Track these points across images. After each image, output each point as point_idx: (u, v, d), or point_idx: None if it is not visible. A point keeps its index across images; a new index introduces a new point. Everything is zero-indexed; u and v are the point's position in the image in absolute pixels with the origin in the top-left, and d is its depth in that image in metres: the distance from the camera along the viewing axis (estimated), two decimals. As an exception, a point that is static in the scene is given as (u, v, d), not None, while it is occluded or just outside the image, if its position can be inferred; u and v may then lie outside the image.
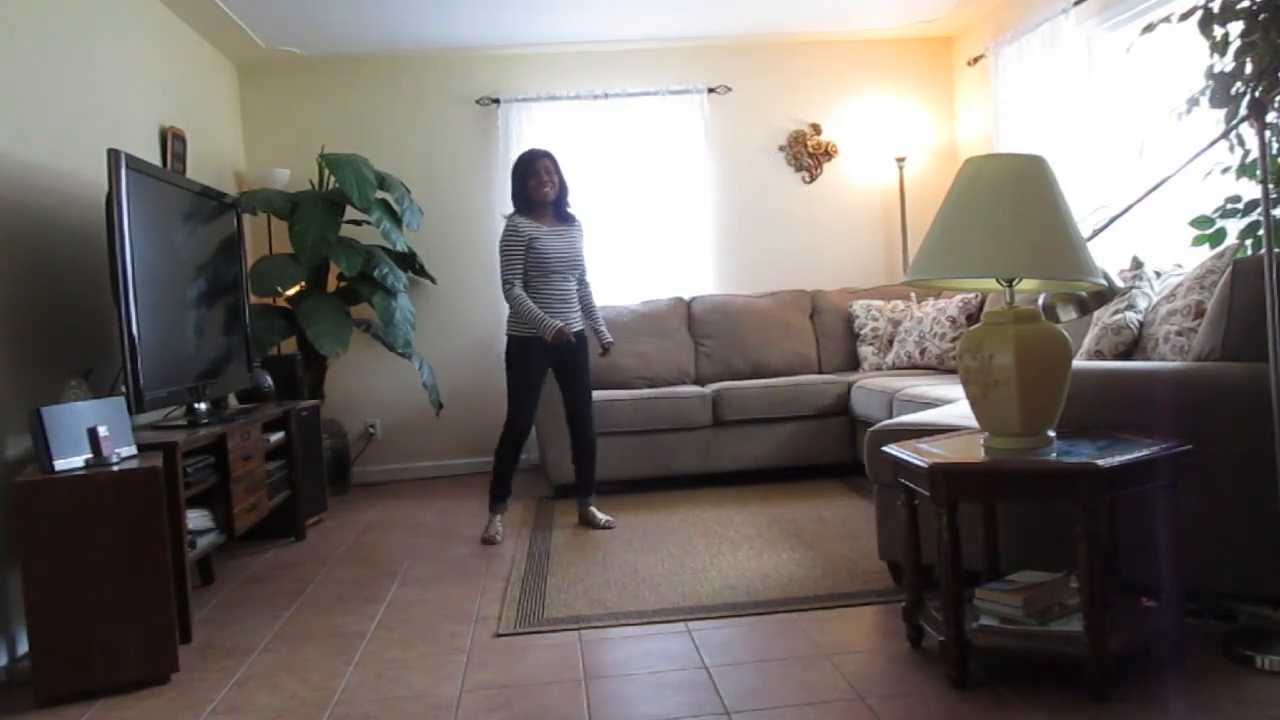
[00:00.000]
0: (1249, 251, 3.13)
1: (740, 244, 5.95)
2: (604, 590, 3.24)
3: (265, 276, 4.84)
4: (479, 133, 5.84)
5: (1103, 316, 3.33)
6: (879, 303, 5.54)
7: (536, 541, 4.01)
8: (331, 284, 5.28)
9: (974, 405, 2.36)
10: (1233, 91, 3.06)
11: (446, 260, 5.78)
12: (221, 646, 2.93)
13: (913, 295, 5.53)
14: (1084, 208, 4.10)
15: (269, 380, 4.44)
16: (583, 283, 4.34)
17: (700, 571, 3.39)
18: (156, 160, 4.34)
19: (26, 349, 3.12)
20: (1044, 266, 2.24)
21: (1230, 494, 2.46)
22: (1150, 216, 4.01)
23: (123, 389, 3.06)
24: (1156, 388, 2.55)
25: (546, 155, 4.20)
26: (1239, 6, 3.02)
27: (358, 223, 5.32)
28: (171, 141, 4.45)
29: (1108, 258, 3.39)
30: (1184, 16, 3.17)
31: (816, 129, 6.01)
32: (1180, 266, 3.50)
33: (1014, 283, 2.39)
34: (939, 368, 4.98)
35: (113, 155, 3.02)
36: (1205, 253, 3.28)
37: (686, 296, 5.71)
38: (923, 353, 5.06)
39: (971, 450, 2.41)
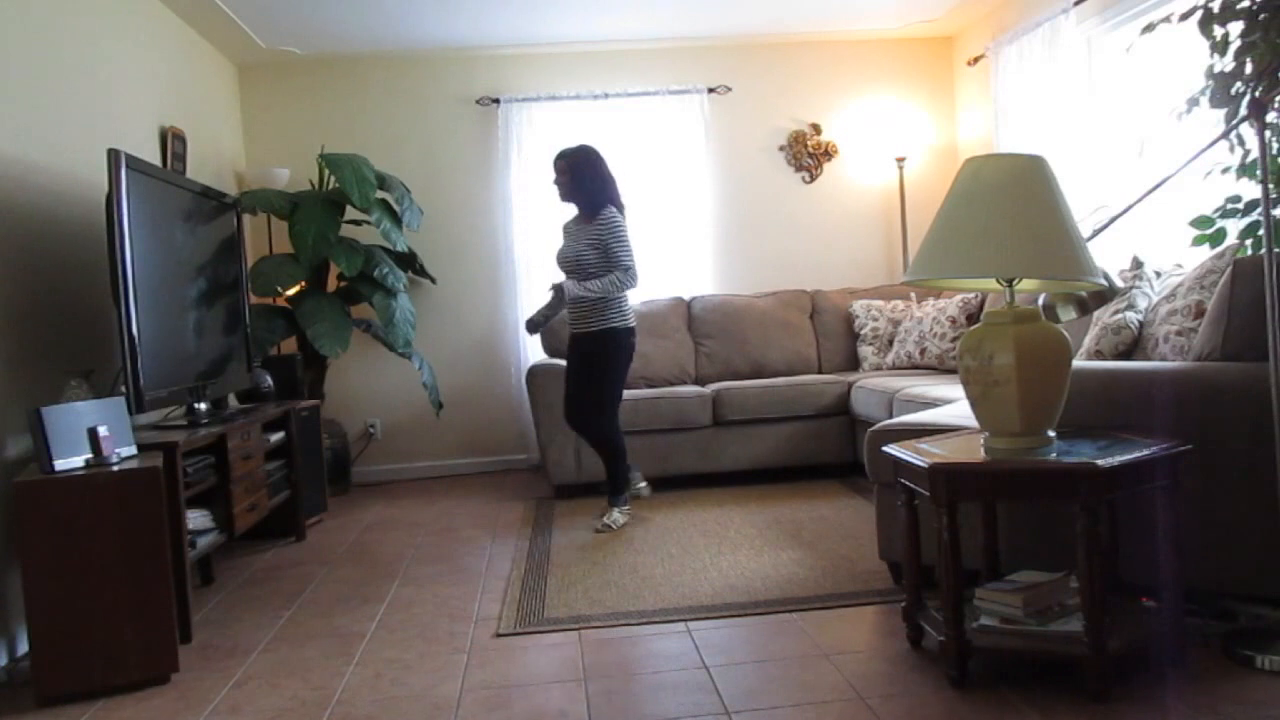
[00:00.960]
0: (1249, 251, 3.13)
1: (740, 244, 5.96)
2: (604, 590, 3.24)
3: (265, 276, 4.84)
4: (479, 133, 5.84)
5: (1103, 316, 3.33)
6: (879, 303, 5.54)
7: (536, 541, 4.01)
8: (331, 284, 5.28)
9: (974, 405, 2.36)
10: (1233, 91, 3.06)
11: (446, 260, 5.78)
12: (221, 646, 2.93)
13: (913, 295, 5.53)
14: (1084, 208, 4.10)
15: (269, 380, 4.44)
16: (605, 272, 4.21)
17: (700, 571, 3.39)
18: (156, 160, 4.34)
19: (26, 349, 3.12)
20: (1044, 266, 2.24)
21: (1230, 494, 2.45)
22: (1150, 216, 4.01)
23: (123, 389, 3.06)
24: (1156, 388, 2.55)
25: (558, 156, 4.23)
26: (1239, 6, 3.02)
27: (358, 223, 5.33)
28: (171, 141, 4.45)
29: (1108, 258, 3.39)
30: (1184, 16, 3.16)
31: (816, 129, 6.01)
32: (1180, 266, 3.50)
33: (1014, 283, 2.39)
34: (939, 368, 4.98)
35: (113, 155, 3.03)
36: (1205, 253, 3.28)
37: (686, 296, 5.71)
38: (923, 353, 5.06)
39: (971, 450, 2.41)
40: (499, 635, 2.87)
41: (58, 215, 3.38)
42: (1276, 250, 2.32)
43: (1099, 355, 3.25)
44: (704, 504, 4.53)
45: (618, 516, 4.19)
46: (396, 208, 5.23)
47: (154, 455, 2.85)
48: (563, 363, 4.93)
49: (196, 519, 3.30)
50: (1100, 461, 2.13)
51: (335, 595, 3.41)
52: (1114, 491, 2.17)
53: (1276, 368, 2.29)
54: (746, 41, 5.90)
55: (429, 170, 5.80)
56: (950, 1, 5.41)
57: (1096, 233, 2.76)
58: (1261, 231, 2.58)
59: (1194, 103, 3.26)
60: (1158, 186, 2.65)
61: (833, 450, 5.01)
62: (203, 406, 3.63)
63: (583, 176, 4.19)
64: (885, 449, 2.58)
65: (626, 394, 4.99)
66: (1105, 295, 2.76)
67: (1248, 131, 3.06)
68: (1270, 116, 2.88)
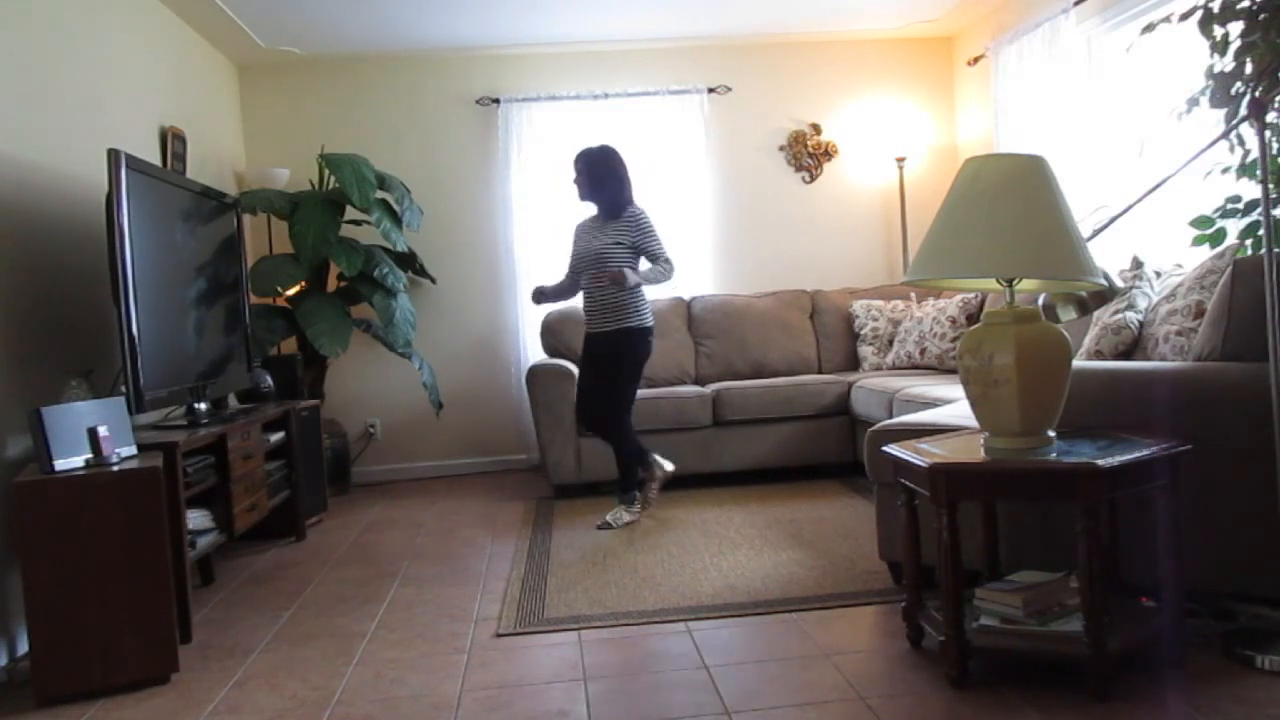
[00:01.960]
0: (1249, 251, 3.13)
1: (740, 244, 5.96)
2: (604, 590, 3.24)
3: (265, 276, 4.84)
4: (479, 133, 5.84)
5: (1103, 316, 3.33)
6: (879, 303, 5.54)
7: (536, 541, 4.01)
8: (331, 284, 5.28)
9: (974, 405, 2.36)
10: (1233, 91, 3.06)
11: (446, 260, 5.78)
12: (221, 646, 2.93)
13: (913, 295, 5.53)
14: (1084, 208, 4.10)
15: (269, 380, 4.44)
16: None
17: (700, 571, 3.39)
18: (156, 160, 4.34)
19: (26, 349, 3.12)
20: (1044, 266, 2.24)
21: (1230, 494, 2.45)
22: (1150, 216, 4.01)
23: (123, 389, 3.06)
24: (1156, 388, 2.55)
25: (578, 156, 4.29)
26: (1239, 6, 3.02)
27: (358, 223, 5.33)
28: (171, 141, 4.45)
29: (1108, 258, 3.39)
30: (1184, 16, 3.17)
31: (816, 129, 6.01)
32: (1180, 266, 3.50)
33: (1014, 283, 2.39)
34: (939, 368, 4.99)
35: (113, 155, 3.03)
36: (1205, 253, 3.28)
37: (686, 296, 5.71)
38: (923, 353, 5.06)
39: (971, 450, 2.41)
40: (499, 635, 2.87)
41: (58, 215, 3.38)
42: (1276, 250, 2.32)
43: (1099, 355, 3.25)
44: (704, 504, 4.53)
45: (622, 514, 4.20)
46: (396, 208, 5.23)
47: (154, 455, 2.85)
48: (563, 362, 4.95)
49: (196, 519, 3.30)
50: (1100, 461, 2.13)
51: (335, 595, 3.41)
52: (1114, 491, 2.17)
53: (1276, 368, 2.29)
54: (746, 41, 5.90)
55: (429, 170, 5.80)
56: (950, 1, 5.41)
57: (1096, 233, 2.76)
58: (1261, 231, 2.58)
59: (1194, 103, 3.26)
60: (1158, 186, 2.65)
61: (833, 450, 5.01)
62: (203, 406, 3.63)
63: (602, 176, 4.23)
64: (885, 449, 2.58)
65: (626, 394, 5.01)
66: (1105, 295, 2.76)
67: (1248, 131, 3.06)
68: (1270, 116, 2.88)
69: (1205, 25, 3.08)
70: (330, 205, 5.05)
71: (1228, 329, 2.59)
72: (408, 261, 5.40)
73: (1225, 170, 3.28)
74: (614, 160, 4.25)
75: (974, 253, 2.25)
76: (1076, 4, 4.51)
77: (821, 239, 6.03)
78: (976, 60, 5.56)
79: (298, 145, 5.64)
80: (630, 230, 4.18)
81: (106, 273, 3.21)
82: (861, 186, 6.05)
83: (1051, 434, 2.33)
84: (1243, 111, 2.93)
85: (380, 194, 5.18)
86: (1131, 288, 3.32)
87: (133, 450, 2.84)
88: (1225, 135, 2.81)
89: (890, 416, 4.17)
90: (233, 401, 4.25)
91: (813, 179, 6.03)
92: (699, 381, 5.41)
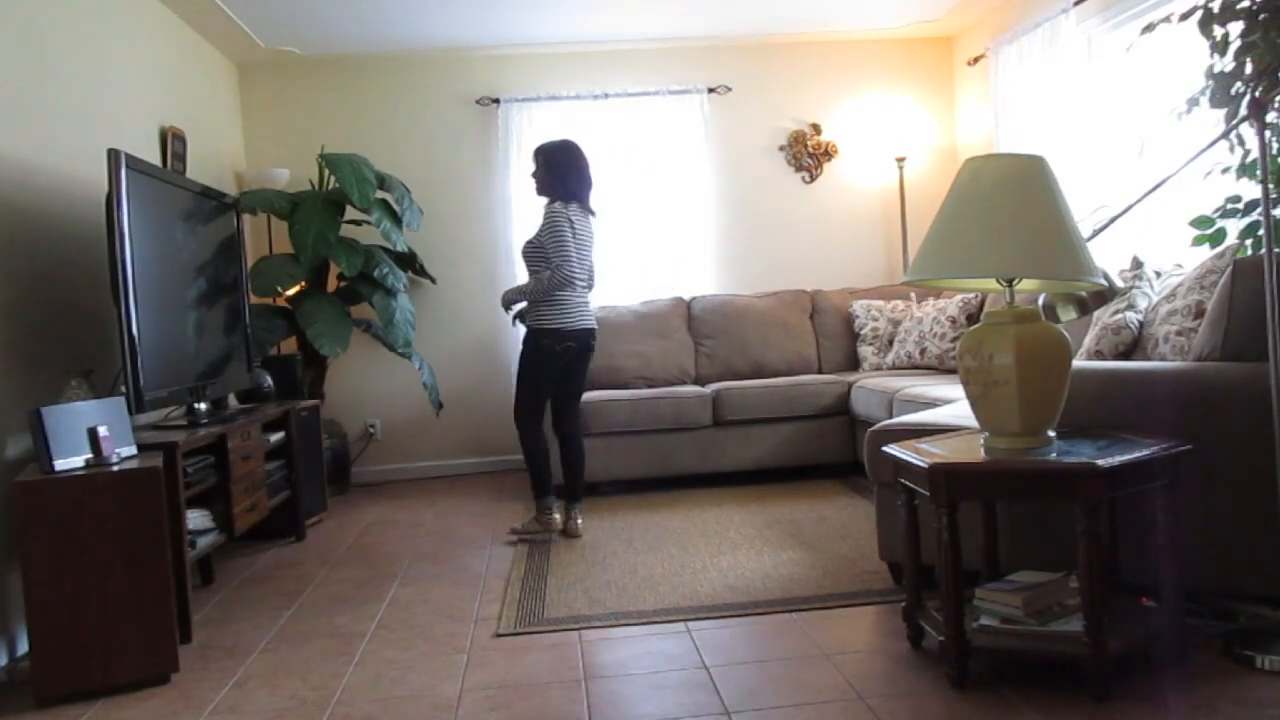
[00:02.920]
0: (1249, 251, 3.13)
1: (740, 244, 5.95)
2: (604, 590, 3.24)
3: (265, 276, 4.84)
4: (479, 133, 5.84)
5: (1103, 316, 3.33)
6: (879, 303, 5.54)
7: (536, 541, 4.01)
8: (331, 284, 5.28)
9: (974, 405, 2.36)
10: (1233, 91, 3.06)
11: (446, 260, 5.78)
12: (221, 646, 2.93)
13: (913, 295, 5.53)
14: (1084, 208, 4.11)
15: (269, 380, 4.44)
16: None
17: (700, 571, 3.39)
18: (156, 160, 4.34)
19: (26, 349, 3.12)
20: (1044, 266, 2.24)
21: (1230, 494, 2.45)
22: (1150, 216, 4.01)
23: (123, 389, 3.06)
24: (1156, 388, 2.55)
25: (535, 150, 4.16)
26: (1239, 6, 3.02)
27: (358, 223, 5.33)
28: (171, 141, 4.45)
29: (1108, 258, 3.40)
30: (1184, 16, 3.17)
31: (816, 129, 6.01)
32: (1180, 266, 3.50)
33: (1014, 283, 2.39)
34: (939, 368, 4.99)
35: (113, 155, 3.03)
36: (1205, 253, 3.28)
37: (686, 296, 5.72)
38: (923, 353, 5.06)
39: (971, 450, 2.41)
40: (499, 635, 2.87)
41: (58, 215, 3.38)
42: (1276, 250, 2.32)
43: (1099, 355, 3.25)
44: (704, 504, 4.52)
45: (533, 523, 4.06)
46: (396, 208, 5.23)
47: (154, 455, 2.85)
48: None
49: (196, 519, 3.30)
50: (1100, 461, 2.13)
51: (335, 595, 3.41)
52: (1114, 491, 2.17)
53: (1276, 368, 2.29)
54: (746, 41, 5.90)
55: (429, 170, 5.80)
56: (950, 1, 5.41)
57: (1096, 233, 2.76)
58: (1261, 231, 2.58)
59: (1194, 103, 3.26)
60: (1158, 186, 2.65)
61: (833, 450, 5.01)
62: (203, 406, 3.63)
63: (540, 168, 4.10)
64: (885, 449, 2.58)
65: (627, 394, 5.00)
66: (1105, 295, 2.76)
67: (1248, 131, 3.07)
68: (1270, 116, 2.88)
69: (1205, 25, 3.08)
70: (330, 205, 5.05)
71: (1228, 329, 2.59)
72: (408, 261, 5.40)
73: (1225, 170, 3.28)
74: (549, 152, 4.11)
75: (974, 253, 2.25)
76: (1076, 4, 4.51)
77: (821, 239, 6.03)
78: (976, 60, 5.56)
79: (298, 145, 5.65)
80: (541, 229, 4.04)
81: (106, 273, 3.21)
82: (861, 186, 6.05)
83: (1051, 434, 2.33)
84: (1243, 111, 2.93)
85: (380, 194, 5.18)
86: (1131, 288, 3.32)
87: (133, 450, 2.84)
88: (1225, 135, 2.81)
89: (890, 416, 4.17)
90: (233, 401, 4.25)
91: (813, 179, 6.03)
92: (699, 381, 5.41)
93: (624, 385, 5.26)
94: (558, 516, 4.06)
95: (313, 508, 4.58)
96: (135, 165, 3.14)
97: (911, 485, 2.43)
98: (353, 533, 4.42)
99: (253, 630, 3.07)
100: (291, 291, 5.05)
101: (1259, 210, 2.77)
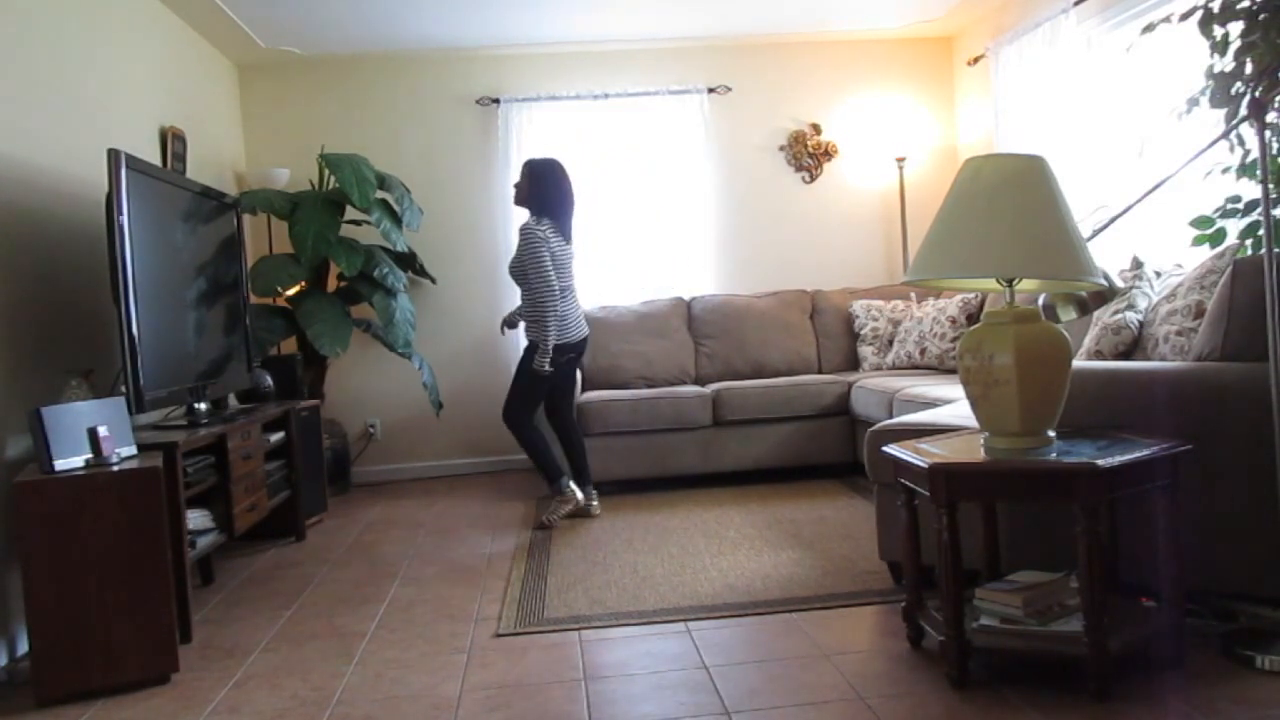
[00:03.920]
0: (1249, 251, 3.13)
1: (740, 244, 5.95)
2: (604, 590, 3.24)
3: (265, 276, 4.84)
4: (479, 133, 5.84)
5: (1103, 316, 3.33)
6: (879, 303, 5.54)
7: (536, 541, 4.01)
8: (331, 284, 5.28)
9: (974, 405, 2.36)
10: (1233, 91, 3.06)
11: (446, 260, 5.78)
12: (221, 646, 2.93)
13: (913, 295, 5.53)
14: (1084, 208, 4.11)
15: (269, 380, 4.44)
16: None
17: (700, 571, 3.39)
18: (156, 160, 4.34)
19: (26, 349, 3.12)
20: (1044, 266, 2.24)
21: (1230, 494, 2.45)
22: (1150, 216, 4.01)
23: (123, 389, 3.06)
24: (1156, 388, 2.55)
25: (525, 164, 4.41)
26: (1239, 6, 3.01)
27: (358, 223, 5.33)
28: (171, 141, 4.45)
29: (1108, 258, 3.39)
30: (1184, 16, 3.16)
31: (816, 129, 6.01)
32: (1180, 266, 3.50)
33: (1014, 283, 2.39)
34: (939, 368, 4.98)
35: (113, 155, 3.03)
36: (1205, 253, 3.28)
37: (686, 296, 5.72)
38: (923, 353, 5.06)
39: (971, 450, 2.41)
40: (499, 635, 2.87)
41: (58, 215, 3.38)
42: (1276, 250, 2.32)
43: (1099, 355, 3.25)
44: (704, 504, 4.52)
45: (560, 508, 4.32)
46: (396, 208, 5.23)
47: (154, 455, 2.85)
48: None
49: (196, 519, 3.30)
50: (1100, 461, 2.13)
51: (335, 595, 3.41)
52: (1114, 491, 2.17)
53: (1276, 368, 2.29)
54: (746, 41, 5.90)
55: (429, 170, 5.80)
56: (950, 1, 5.41)
57: (1096, 233, 2.76)
58: (1261, 231, 2.58)
59: (1194, 103, 3.26)
60: (1158, 186, 2.65)
61: (833, 450, 5.01)
62: (203, 406, 3.63)
63: (527, 185, 4.36)
64: (885, 449, 2.58)
65: (627, 394, 5.01)
66: (1105, 295, 2.76)
67: (1248, 131, 3.06)
68: (1270, 116, 2.88)
69: (1205, 25, 3.08)
70: (330, 205, 5.05)
71: (1228, 329, 2.59)
72: (408, 261, 5.40)
73: (1225, 170, 3.28)
74: (536, 170, 4.37)
75: (974, 253, 2.25)
76: (1076, 4, 4.51)
77: (821, 239, 6.03)
78: (976, 60, 5.56)
79: (298, 145, 5.64)
80: (519, 246, 4.31)
81: (106, 273, 3.21)
82: (861, 186, 6.05)
83: (1051, 434, 2.33)
84: (1243, 111, 2.93)
85: (380, 194, 5.18)
86: (1131, 288, 3.32)
87: (133, 450, 2.84)
88: (1225, 135, 2.81)
89: (890, 416, 4.17)
90: (233, 401, 4.25)
91: (813, 179, 6.03)
92: (699, 381, 5.41)
93: (624, 385, 5.26)
94: (578, 493, 4.33)
95: (313, 508, 4.58)
96: (135, 165, 3.14)
97: (911, 485, 2.43)
98: (353, 533, 4.42)
99: (253, 630, 3.07)
100: (291, 291, 5.05)
101: (1259, 210, 2.77)
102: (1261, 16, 2.95)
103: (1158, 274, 3.41)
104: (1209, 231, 3.34)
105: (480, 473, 5.85)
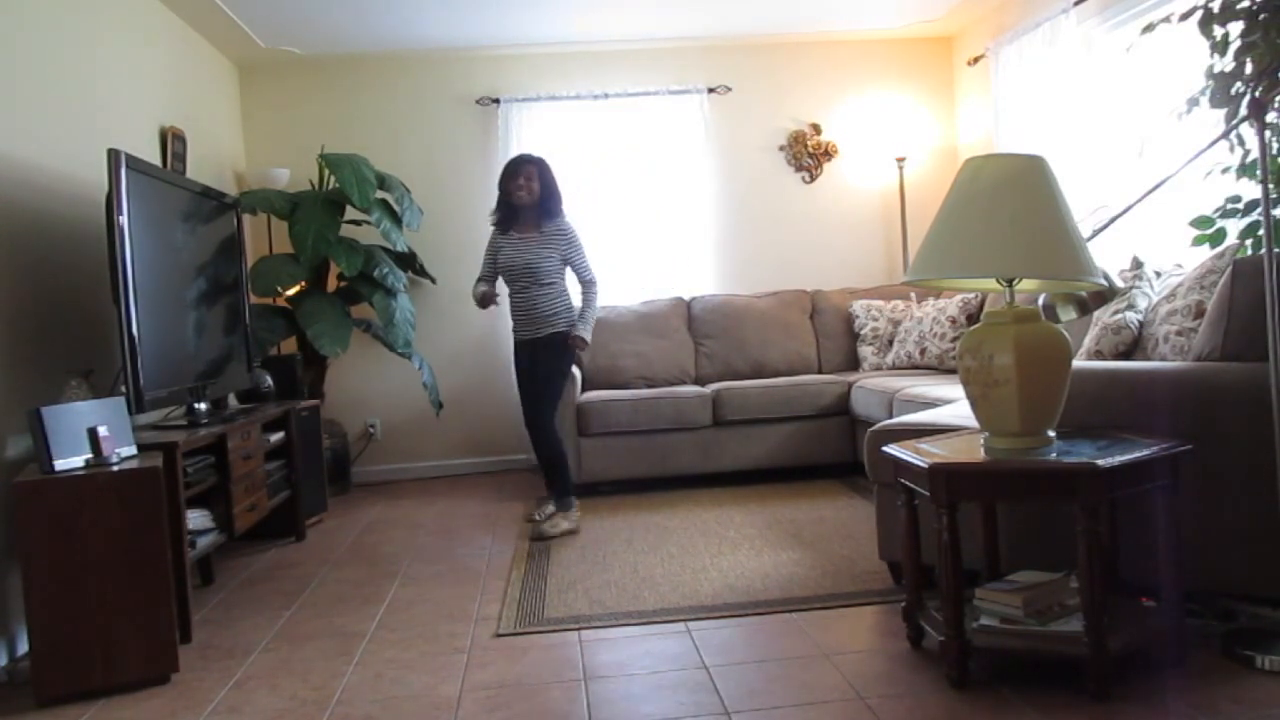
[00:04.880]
0: (1249, 251, 3.13)
1: (740, 244, 5.95)
2: (604, 590, 3.24)
3: (265, 276, 4.84)
4: (479, 133, 5.84)
5: (1103, 316, 3.33)
6: (879, 303, 5.54)
7: (536, 541, 4.01)
8: (331, 284, 5.28)
9: (974, 405, 2.36)
10: (1233, 91, 3.06)
11: (446, 260, 5.78)
12: (221, 646, 2.93)
13: (913, 295, 5.53)
14: (1084, 208, 4.10)
15: (269, 380, 4.44)
16: (581, 284, 4.36)
17: (700, 571, 3.39)
18: (156, 160, 4.34)
19: (26, 349, 3.12)
20: (1044, 266, 2.24)
21: (1230, 494, 2.45)
22: (1150, 216, 4.01)
23: (123, 389, 3.05)
24: (1156, 388, 2.55)
25: (527, 160, 4.32)
26: (1239, 6, 3.02)
27: (358, 223, 5.33)
28: (171, 141, 4.45)
29: (1108, 258, 3.39)
30: (1184, 16, 3.16)
31: (816, 129, 6.01)
32: (1180, 266, 3.50)
33: (1014, 283, 2.39)
34: (939, 368, 4.98)
35: (113, 155, 3.02)
36: (1205, 253, 3.28)
37: (686, 296, 5.72)
38: (923, 353, 5.06)
39: (971, 450, 2.41)
40: (499, 635, 2.87)
41: (58, 215, 3.38)
42: (1276, 250, 2.32)
43: (1099, 355, 3.25)
44: (704, 504, 4.52)
45: (560, 522, 4.11)
46: (396, 208, 5.23)
47: (154, 455, 2.85)
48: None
49: (196, 519, 3.30)
50: (1100, 461, 2.13)
51: (335, 595, 3.41)
52: (1114, 491, 2.17)
53: (1276, 368, 2.29)
54: (746, 41, 5.90)
55: (429, 170, 5.80)
56: (950, 1, 5.41)
57: (1096, 233, 2.76)
58: (1261, 231, 2.58)
59: (1194, 103, 3.26)
60: (1158, 186, 2.65)
61: (833, 450, 5.01)
62: (203, 406, 3.63)
63: (551, 182, 4.31)
64: (885, 449, 2.58)
65: (627, 394, 5.02)
66: (1105, 295, 2.76)
67: (1248, 131, 3.06)
68: (1270, 116, 2.88)
69: (1205, 25, 3.08)
70: (330, 205, 5.05)
71: (1228, 329, 2.58)
72: (408, 261, 5.40)
73: (1225, 170, 3.28)
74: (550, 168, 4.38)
75: (974, 253, 2.25)
76: (1076, 4, 4.51)
77: (821, 239, 6.03)
78: (976, 60, 5.56)
79: (298, 145, 5.64)
80: (561, 243, 4.27)
81: (106, 273, 3.21)
82: (861, 186, 6.05)
83: (1051, 434, 2.33)
84: (1243, 111, 2.93)
85: (380, 194, 5.18)
86: (1131, 288, 3.32)
87: (133, 450, 2.84)
88: (1225, 135, 2.81)
89: (890, 416, 4.17)
90: (233, 401, 4.25)
91: (813, 179, 6.03)
92: (699, 381, 5.41)
93: (624, 385, 5.26)
94: (576, 517, 4.23)
95: (313, 508, 4.58)
96: (135, 165, 3.14)
97: (911, 485, 2.43)
98: (353, 533, 4.42)
99: (253, 630, 3.07)
100: (291, 291, 5.05)
101: (1259, 210, 2.77)
102: (1261, 16, 2.95)
103: (1158, 274, 3.41)
104: (1209, 231, 3.34)
105: (480, 473, 5.85)
